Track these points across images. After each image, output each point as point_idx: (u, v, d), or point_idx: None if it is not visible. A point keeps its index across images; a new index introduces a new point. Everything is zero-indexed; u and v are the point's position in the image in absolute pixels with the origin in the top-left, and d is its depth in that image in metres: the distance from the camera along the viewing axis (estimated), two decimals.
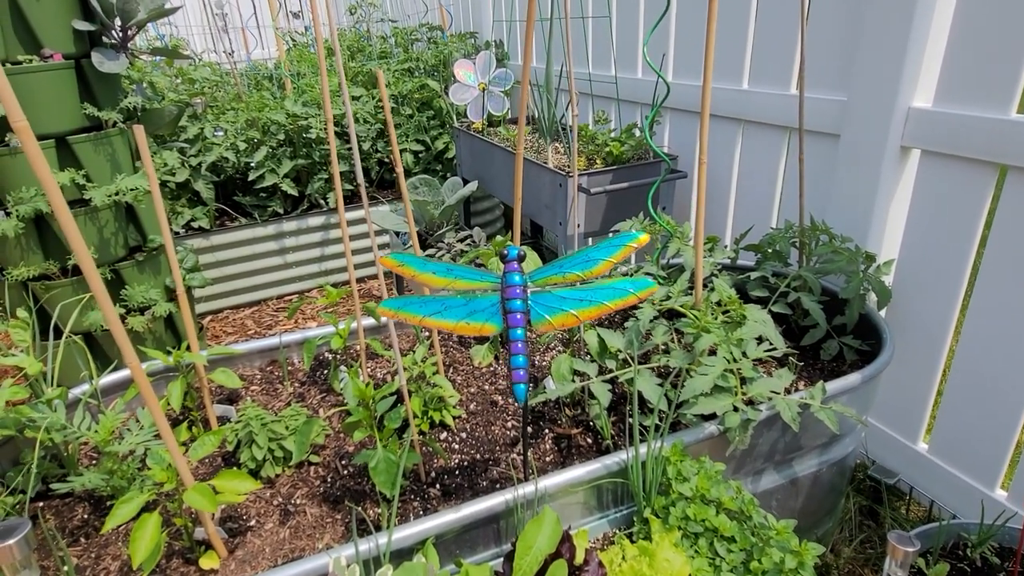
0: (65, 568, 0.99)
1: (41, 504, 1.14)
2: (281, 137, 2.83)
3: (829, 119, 1.55)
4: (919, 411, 1.53)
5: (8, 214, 1.69)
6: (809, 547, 0.92)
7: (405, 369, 1.27)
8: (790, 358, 1.36)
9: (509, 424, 1.31)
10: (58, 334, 1.72)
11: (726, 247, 1.58)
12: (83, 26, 1.70)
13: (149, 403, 0.87)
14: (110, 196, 1.76)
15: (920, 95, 1.36)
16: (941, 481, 1.48)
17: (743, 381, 1.14)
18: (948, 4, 1.28)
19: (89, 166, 1.77)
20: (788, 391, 1.25)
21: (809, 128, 1.55)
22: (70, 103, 1.72)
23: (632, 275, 1.51)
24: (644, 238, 0.85)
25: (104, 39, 1.84)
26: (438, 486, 1.15)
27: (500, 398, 1.39)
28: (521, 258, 0.87)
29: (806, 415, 1.14)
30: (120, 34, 1.83)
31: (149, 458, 0.97)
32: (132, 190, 1.80)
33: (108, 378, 1.33)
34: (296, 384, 1.47)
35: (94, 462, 1.27)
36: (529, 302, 0.88)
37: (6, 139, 1.66)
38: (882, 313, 1.53)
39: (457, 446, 1.25)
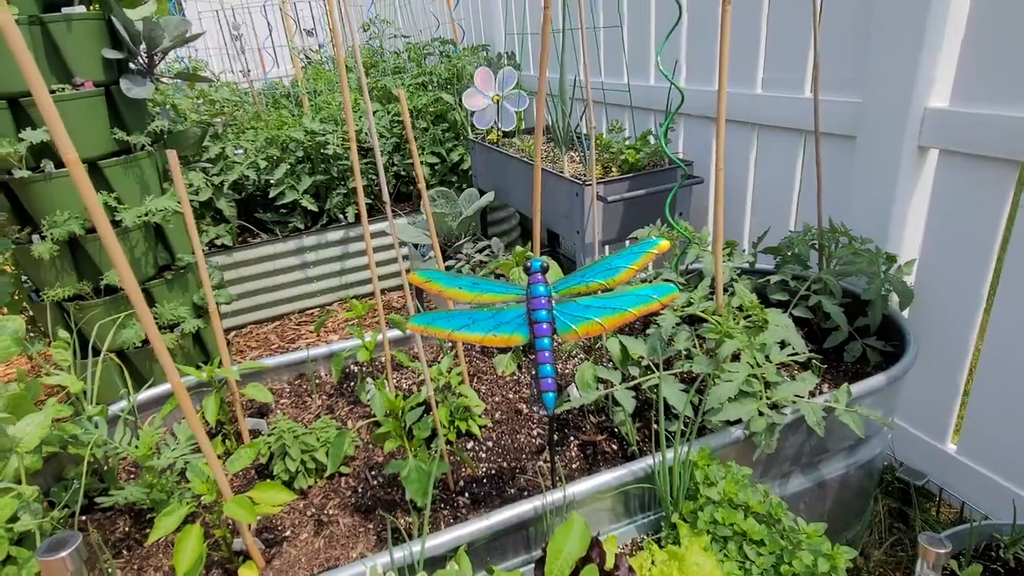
0: None
1: (84, 518, 1.18)
2: (300, 154, 2.89)
3: (844, 121, 1.56)
4: (946, 411, 1.52)
5: (43, 237, 1.75)
6: (841, 550, 0.92)
7: (431, 380, 1.29)
8: (813, 361, 1.36)
9: (534, 432, 1.33)
10: (90, 352, 1.77)
11: (744, 251, 1.58)
12: (112, 54, 1.77)
13: (189, 418, 0.90)
14: (140, 217, 1.82)
15: (936, 95, 1.36)
16: (971, 481, 1.46)
17: (767, 385, 1.14)
18: (963, 1, 1.28)
19: (120, 189, 1.83)
20: (812, 394, 1.25)
21: (825, 131, 1.55)
22: (101, 129, 1.78)
23: (652, 282, 1.52)
24: (664, 244, 0.87)
25: (131, 66, 1.90)
26: (467, 495, 1.17)
27: (524, 406, 1.40)
28: (544, 269, 0.89)
29: (831, 418, 1.14)
30: (146, 60, 1.89)
31: (189, 471, 1.00)
32: (161, 211, 1.85)
33: (144, 394, 1.37)
34: (324, 396, 1.50)
35: (132, 476, 1.31)
36: (554, 312, 0.90)
37: (41, 165, 1.72)
38: (904, 314, 1.52)
39: (484, 455, 1.27)
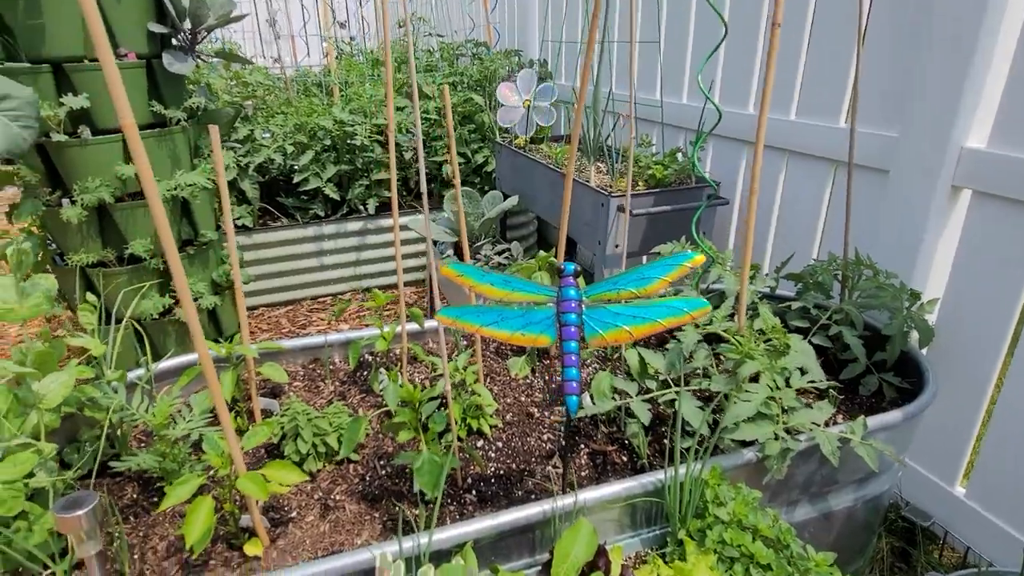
0: (116, 544, 1.03)
1: (92, 482, 1.19)
2: (327, 142, 2.91)
3: (878, 154, 1.56)
4: (958, 454, 1.50)
5: (73, 202, 1.77)
6: None
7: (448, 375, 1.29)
8: (830, 391, 1.36)
9: (545, 437, 1.32)
10: (110, 319, 1.79)
11: (766, 275, 1.58)
12: (158, 28, 1.79)
13: (214, 390, 0.91)
14: (169, 191, 1.84)
15: (974, 135, 1.36)
16: (978, 527, 1.45)
17: (784, 410, 1.14)
18: (1008, 46, 1.29)
19: (152, 161, 1.84)
20: (827, 424, 1.25)
21: (857, 162, 1.55)
22: (140, 101, 1.81)
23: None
24: (699, 258, 0.87)
25: (174, 41, 1.93)
26: (474, 492, 1.17)
27: (536, 410, 1.40)
28: (578, 274, 0.90)
29: (845, 450, 1.14)
30: (189, 37, 1.91)
31: (205, 443, 1.01)
32: (190, 186, 1.87)
33: (162, 365, 1.38)
34: (337, 383, 1.51)
35: (142, 444, 1.32)
36: (583, 317, 0.90)
37: (78, 131, 1.75)
38: (923, 352, 1.51)
39: (493, 454, 1.27)
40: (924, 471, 1.58)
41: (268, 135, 2.91)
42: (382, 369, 1.49)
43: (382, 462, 1.25)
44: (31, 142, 1.53)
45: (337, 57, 3.96)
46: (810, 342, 1.40)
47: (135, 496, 1.17)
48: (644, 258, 2.51)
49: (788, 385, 1.16)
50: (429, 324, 1.55)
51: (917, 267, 1.49)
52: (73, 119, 1.73)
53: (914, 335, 1.45)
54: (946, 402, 1.49)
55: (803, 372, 1.21)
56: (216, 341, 2.06)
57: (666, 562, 1.03)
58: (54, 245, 1.97)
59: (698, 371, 1.33)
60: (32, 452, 0.91)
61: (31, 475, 0.94)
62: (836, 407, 1.37)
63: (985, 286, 1.39)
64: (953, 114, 1.35)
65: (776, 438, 1.10)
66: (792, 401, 1.14)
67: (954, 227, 1.45)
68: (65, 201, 1.80)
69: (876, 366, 1.42)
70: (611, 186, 2.03)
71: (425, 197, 1.00)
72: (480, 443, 1.30)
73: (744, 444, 1.15)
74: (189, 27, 1.89)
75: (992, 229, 1.36)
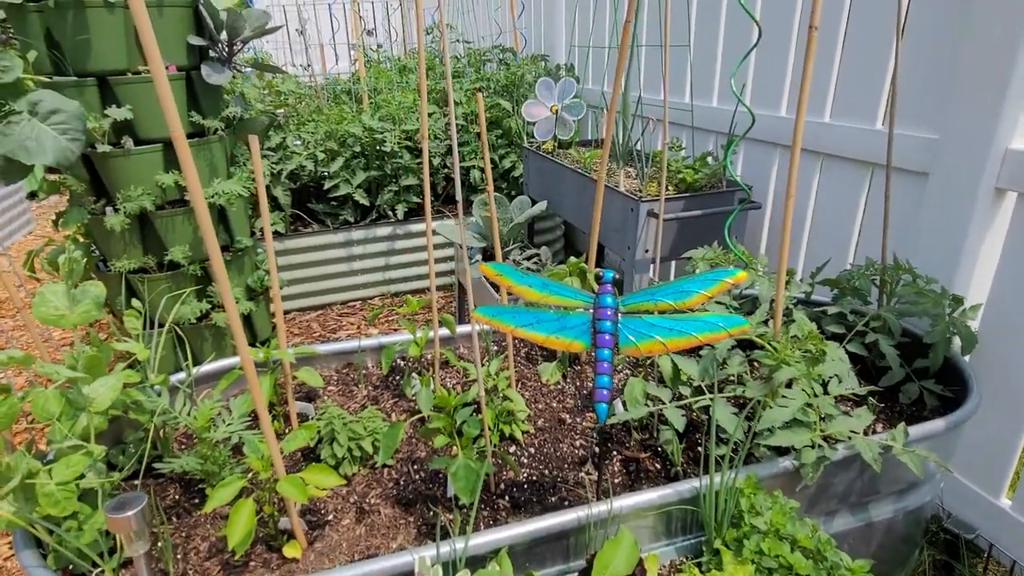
0: (160, 544, 1.06)
1: (138, 482, 1.22)
2: (357, 149, 2.96)
3: (917, 157, 1.52)
4: (1003, 465, 1.46)
5: (116, 210, 1.83)
6: None
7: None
8: (869, 398, 1.33)
9: (577, 443, 1.32)
10: (151, 324, 1.84)
11: (800, 281, 1.56)
12: (196, 41, 1.84)
13: (255, 395, 0.93)
14: (208, 198, 1.88)
15: (1019, 137, 1.32)
16: None
17: (822, 418, 1.12)
18: None
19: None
20: (866, 433, 1.22)
21: (896, 165, 1.52)
22: (180, 111, 1.86)
23: (704, 305, 1.51)
24: (742, 275, 0.87)
25: (211, 53, 1.98)
26: (507, 498, 1.18)
27: (568, 417, 1.40)
28: (617, 282, 0.90)
29: (886, 458, 1.11)
30: (226, 49, 1.96)
31: (246, 447, 1.03)
32: (227, 193, 1.92)
33: (202, 369, 1.41)
34: (370, 388, 1.53)
35: (183, 447, 1.35)
36: (619, 325, 0.90)
37: (121, 142, 1.81)
38: (966, 359, 1.47)
39: (526, 460, 1.27)
40: (968, 482, 1.54)
41: (299, 142, 2.96)
42: (414, 374, 1.51)
43: (415, 467, 1.26)
44: (78, 154, 1.58)
45: (365, 64, 4.02)
46: (846, 349, 1.38)
47: (177, 497, 1.20)
48: (673, 263, 2.49)
49: (826, 392, 1.14)
50: (461, 329, 1.56)
51: (959, 272, 1.45)
52: (117, 130, 1.79)
53: (957, 342, 1.41)
54: (990, 411, 1.44)
55: (840, 380, 1.19)
56: (251, 346, 2.11)
57: (702, 571, 1.02)
58: (97, 252, 2.04)
59: (732, 378, 1.32)
60: (83, 454, 0.94)
61: (81, 476, 0.97)
62: (875, 415, 1.34)
63: None
64: (997, 115, 1.32)
65: (813, 446, 1.08)
66: (830, 408, 1.12)
67: (998, 231, 1.41)
68: (108, 209, 1.86)
69: (917, 373, 1.39)
70: (640, 191, 2.02)
71: (460, 204, 1.01)
72: (512, 449, 1.30)
73: (780, 453, 1.14)
74: (226, 39, 1.94)
75: None
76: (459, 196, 0.98)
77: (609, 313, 0.89)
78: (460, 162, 3.19)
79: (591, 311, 0.91)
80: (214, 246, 0.84)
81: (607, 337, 0.89)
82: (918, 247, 1.54)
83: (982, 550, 1.49)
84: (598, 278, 0.89)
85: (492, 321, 0.91)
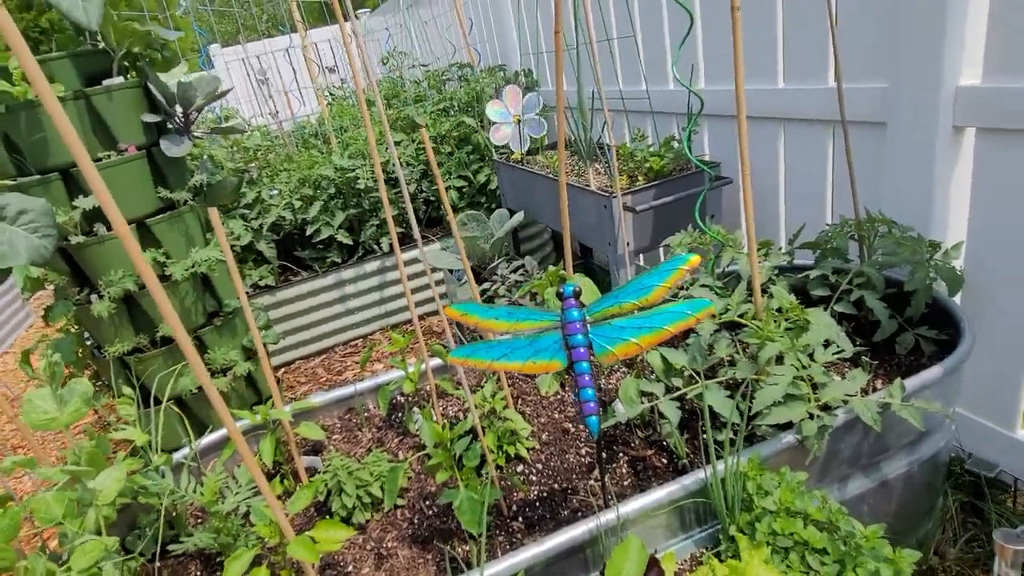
0: None
1: (158, 564, 1.23)
2: (332, 190, 2.98)
3: (872, 108, 1.52)
4: (1012, 397, 1.45)
5: (101, 296, 1.85)
6: (904, 554, 0.89)
7: (476, 406, 1.31)
8: (863, 357, 1.33)
9: (583, 451, 1.33)
10: (152, 401, 1.86)
11: (781, 249, 1.56)
12: (151, 118, 1.87)
13: (248, 463, 0.94)
14: (188, 269, 1.90)
15: (967, 73, 1.32)
16: None
17: (815, 387, 1.12)
18: None
19: (167, 244, 1.92)
20: (865, 392, 1.22)
21: (852, 119, 1.52)
22: (146, 189, 1.88)
23: (688, 288, 1.51)
24: (695, 260, 0.87)
25: (169, 126, 2.01)
26: (520, 519, 1.18)
27: (571, 425, 1.41)
28: (577, 294, 0.90)
29: (888, 414, 1.11)
30: (182, 120, 1.99)
31: (252, 514, 1.04)
32: (206, 261, 1.93)
33: (204, 440, 1.43)
34: (374, 429, 1.54)
35: (200, 520, 1.37)
36: (590, 335, 0.90)
37: (94, 229, 1.83)
38: (956, 300, 1.47)
39: (535, 477, 1.27)
40: (981, 419, 1.52)
41: (275, 192, 2.99)
42: (416, 408, 1.52)
43: (427, 503, 1.27)
44: (52, 249, 1.60)
45: (329, 104, 4.05)
46: (834, 310, 1.37)
47: (198, 573, 1.21)
48: (661, 251, 2.49)
49: (814, 360, 1.14)
50: None
51: (933, 215, 1.45)
52: (87, 219, 1.81)
53: (942, 285, 1.40)
54: (991, 345, 1.44)
55: (828, 344, 1.19)
56: (255, 404, 2.12)
57: (720, 561, 1.02)
58: (91, 340, 2.06)
59: (725, 360, 1.32)
60: (97, 542, 0.95)
61: (99, 571, 0.98)
62: (873, 372, 1.34)
63: (1008, 221, 1.34)
64: (940, 53, 1.32)
65: (811, 417, 1.08)
66: (821, 376, 1.12)
67: (964, 169, 1.40)
68: (93, 297, 1.89)
69: (910, 322, 1.38)
70: (611, 186, 2.03)
71: (418, 234, 1.02)
72: (520, 467, 1.30)
73: (782, 428, 1.14)
74: (180, 111, 1.97)
75: (1004, 163, 1.31)
76: (415, 226, 0.99)
77: (578, 326, 0.89)
78: (435, 184, 3.21)
79: (561, 328, 0.91)
80: (176, 324, 0.84)
81: (582, 351, 0.89)
82: (889, 197, 1.54)
83: (1008, 485, 1.48)
84: (559, 294, 0.90)
85: (468, 361, 0.91)
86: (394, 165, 3.09)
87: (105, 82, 1.82)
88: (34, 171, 1.75)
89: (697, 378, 1.24)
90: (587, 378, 0.89)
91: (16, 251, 1.57)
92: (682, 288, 1.55)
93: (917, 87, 1.39)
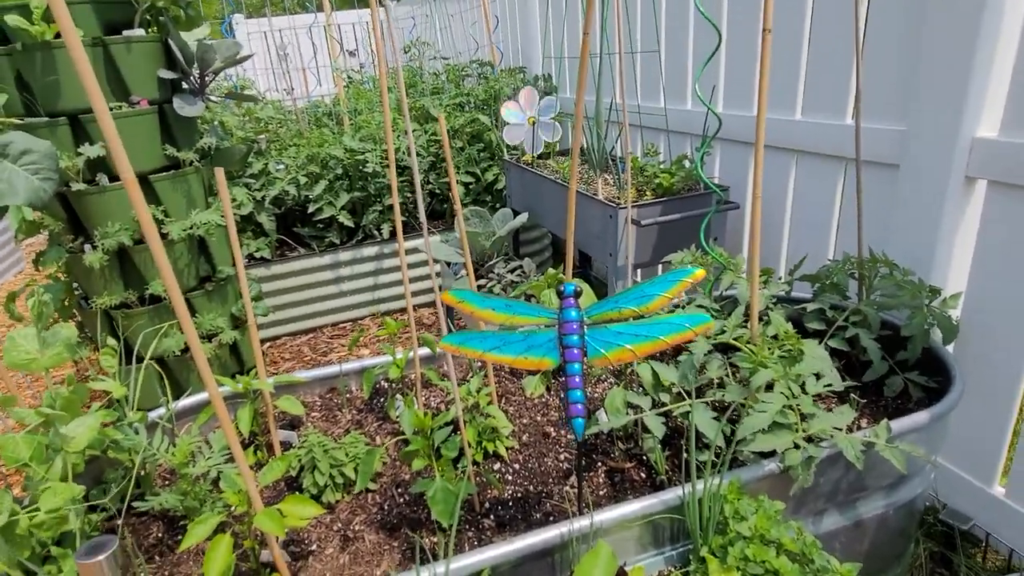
0: None
1: (119, 522, 1.21)
2: (339, 171, 2.96)
3: (887, 149, 1.53)
4: (994, 452, 1.45)
5: (95, 247, 1.83)
6: None
7: (460, 399, 1.29)
8: (851, 395, 1.33)
9: (562, 456, 1.31)
10: (134, 359, 1.83)
11: (780, 279, 1.56)
12: (167, 74, 1.85)
13: (226, 429, 0.92)
14: (185, 230, 1.88)
15: (985, 125, 1.33)
16: (1021, 528, 1.39)
17: (803, 417, 1.11)
18: (1013, 30, 1.26)
19: (167, 202, 1.90)
20: (850, 429, 1.22)
21: (867, 158, 1.52)
22: (153, 145, 1.86)
23: (685, 307, 1.50)
24: (700, 273, 0.86)
25: (184, 85, 1.99)
26: (492, 517, 1.17)
27: (552, 430, 1.39)
28: (578, 294, 0.90)
29: (871, 454, 1.11)
30: (198, 81, 1.97)
31: (222, 481, 1.03)
32: (205, 224, 1.92)
33: (182, 402, 1.41)
34: (354, 411, 1.52)
35: (167, 483, 1.34)
36: (585, 337, 0.89)
37: (96, 179, 1.81)
38: (949, 348, 1.47)
39: (510, 477, 1.26)
40: (960, 472, 1.53)
41: (282, 167, 2.97)
42: (398, 396, 1.50)
43: (400, 490, 1.25)
44: (51, 193, 1.58)
45: (346, 86, 4.04)
46: (827, 345, 1.37)
47: (160, 535, 1.19)
48: (660, 267, 2.49)
49: (804, 391, 1.13)
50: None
51: (936, 262, 1.45)
52: (91, 167, 1.79)
53: (938, 332, 1.41)
54: (978, 398, 1.44)
55: (820, 377, 1.19)
56: (237, 374, 2.10)
57: None
58: (80, 290, 2.04)
59: (715, 381, 1.31)
60: (66, 487, 0.93)
61: (64, 518, 0.96)
62: (859, 411, 1.34)
63: (1009, 277, 1.35)
64: (961, 103, 1.32)
65: (796, 447, 1.08)
66: (810, 407, 1.11)
67: (971, 219, 1.41)
68: (87, 247, 1.86)
69: (900, 365, 1.38)
70: (619, 198, 2.03)
71: (425, 225, 1.01)
72: (497, 466, 1.29)
73: (764, 455, 1.13)
74: (197, 71, 1.95)
75: (1012, 218, 1.32)
76: (423, 217, 0.98)
77: (575, 327, 0.88)
78: (443, 177, 3.20)
79: (557, 327, 0.90)
80: (172, 282, 0.83)
81: (575, 351, 0.89)
82: (894, 239, 1.54)
83: (979, 540, 1.48)
84: (560, 293, 0.89)
85: (460, 349, 0.90)
86: (409, 152, 3.08)
87: (125, 32, 1.80)
88: (43, 113, 1.73)
89: (685, 396, 1.23)
90: (577, 379, 0.88)
91: (15, 191, 1.55)
92: (678, 307, 1.55)
93: (934, 133, 1.39)
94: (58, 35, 1.69)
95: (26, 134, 1.58)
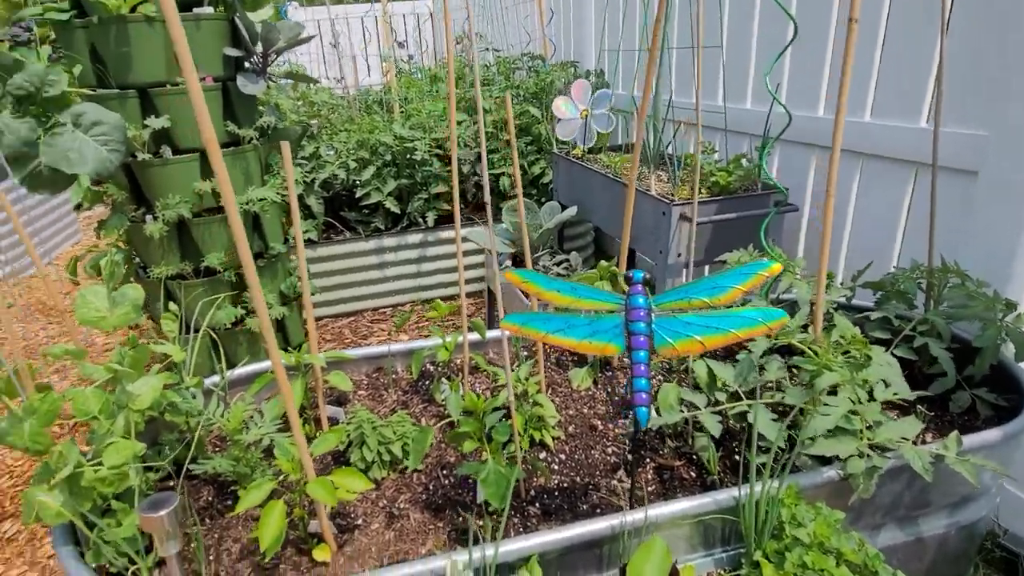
0: (194, 545, 1.07)
1: (173, 483, 1.24)
2: (388, 158, 2.98)
3: (965, 155, 1.46)
4: None
5: (155, 218, 1.88)
6: None
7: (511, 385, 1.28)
8: (917, 407, 1.27)
9: (608, 450, 1.29)
10: (186, 328, 1.88)
11: (840, 285, 1.50)
12: (233, 52, 1.89)
13: (286, 398, 0.93)
14: (242, 205, 1.92)
15: None
16: None
17: (868, 426, 1.07)
18: None
19: None
20: (915, 442, 1.17)
21: (943, 164, 1.46)
22: (216, 121, 1.90)
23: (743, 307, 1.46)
24: (776, 267, 0.83)
25: (247, 64, 2.03)
26: (537, 505, 1.15)
27: (599, 423, 1.37)
28: (646, 281, 0.88)
29: (938, 468, 1.06)
30: (261, 60, 2.01)
31: (276, 449, 1.04)
32: (261, 200, 1.95)
33: (236, 372, 1.43)
34: (400, 392, 1.53)
35: (217, 448, 1.37)
36: (653, 326, 0.87)
37: (160, 151, 1.86)
38: (1022, 366, 1.39)
39: (556, 467, 1.25)
40: None
41: (332, 152, 3.01)
42: (444, 379, 1.50)
43: (445, 472, 1.25)
44: (117, 164, 1.63)
45: (396, 75, 4.08)
46: (892, 354, 1.32)
47: (210, 499, 1.21)
48: (707, 268, 2.44)
49: (872, 398, 1.09)
50: (490, 335, 1.55)
51: (1014, 274, 1.38)
52: (155, 139, 1.84)
53: (1010, 348, 1.34)
54: None
55: (887, 385, 1.14)
56: (284, 351, 2.13)
57: None
58: (137, 258, 2.10)
59: (770, 384, 1.27)
60: (131, 443, 0.95)
61: (125, 473, 0.98)
62: (924, 424, 1.28)
63: None
64: None
65: (860, 455, 1.03)
66: (877, 415, 1.07)
67: None
68: (148, 217, 1.91)
69: (966, 381, 1.32)
70: (672, 194, 1.99)
71: (489, 209, 1.00)
72: (543, 455, 1.28)
73: (822, 462, 1.09)
74: (261, 51, 1.99)
75: None
76: (488, 201, 0.97)
77: (642, 314, 0.86)
78: (490, 168, 3.20)
79: (623, 313, 0.88)
80: (247, 253, 0.85)
81: (642, 339, 0.87)
82: (967, 249, 1.47)
83: None
84: (628, 279, 0.87)
85: (522, 329, 0.89)
86: (474, 139, 3.08)
87: (196, 10, 1.84)
88: (114, 85, 1.78)
89: (740, 396, 1.20)
90: (643, 367, 0.86)
91: (84, 159, 1.60)
92: (737, 308, 1.51)
93: (1019, 139, 1.33)
94: (133, 8, 1.74)
95: (98, 106, 1.63)
